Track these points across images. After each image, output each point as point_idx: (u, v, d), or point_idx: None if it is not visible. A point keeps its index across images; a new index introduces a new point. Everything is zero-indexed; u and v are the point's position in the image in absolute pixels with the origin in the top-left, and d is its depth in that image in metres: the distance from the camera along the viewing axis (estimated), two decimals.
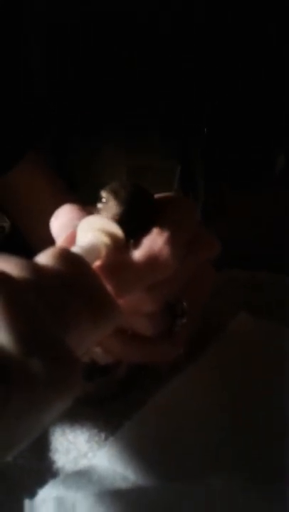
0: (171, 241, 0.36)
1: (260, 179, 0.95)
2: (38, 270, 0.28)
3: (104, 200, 0.37)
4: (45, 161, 0.60)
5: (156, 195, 0.40)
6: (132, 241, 0.36)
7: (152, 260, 0.35)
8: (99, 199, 0.38)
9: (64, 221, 0.37)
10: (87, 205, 0.39)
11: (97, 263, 0.35)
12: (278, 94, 0.96)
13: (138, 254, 0.35)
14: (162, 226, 0.37)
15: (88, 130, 1.01)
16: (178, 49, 0.97)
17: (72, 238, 0.37)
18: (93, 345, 0.30)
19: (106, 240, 0.36)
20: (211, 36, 0.95)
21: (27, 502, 0.34)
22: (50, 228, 0.38)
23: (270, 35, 0.95)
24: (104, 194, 0.37)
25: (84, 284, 0.30)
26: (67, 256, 0.30)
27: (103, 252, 0.35)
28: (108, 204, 0.37)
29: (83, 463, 0.36)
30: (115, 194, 0.37)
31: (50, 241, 0.38)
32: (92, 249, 0.35)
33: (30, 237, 0.59)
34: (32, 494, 0.34)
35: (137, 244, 0.36)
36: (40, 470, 0.36)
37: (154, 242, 0.35)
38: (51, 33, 0.95)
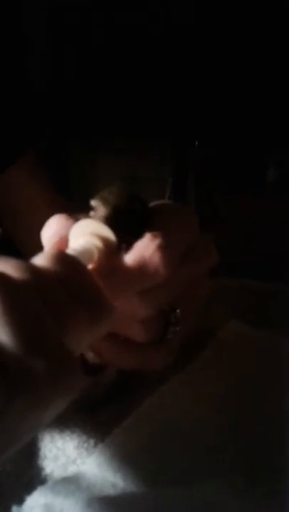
0: (164, 247, 0.36)
1: (251, 190, 0.95)
2: (36, 271, 0.28)
3: (94, 206, 0.37)
4: (40, 167, 0.60)
5: (155, 202, 0.40)
6: (123, 245, 0.36)
7: (142, 266, 0.35)
8: (90, 207, 0.38)
9: (52, 232, 0.38)
10: (80, 212, 0.39)
11: (89, 267, 0.35)
12: (270, 106, 0.97)
13: (128, 258, 0.35)
14: (156, 232, 0.37)
15: (83, 140, 1.01)
16: (172, 61, 0.98)
17: (60, 245, 0.37)
18: (88, 346, 0.30)
19: (98, 243, 0.36)
20: (206, 49, 0.96)
21: (15, 509, 0.33)
22: (41, 239, 0.38)
23: (263, 48, 0.96)
24: (94, 202, 0.38)
25: (80, 285, 0.30)
26: (63, 257, 0.31)
27: (95, 255, 0.35)
28: (98, 209, 0.37)
29: (72, 469, 0.36)
30: (104, 199, 0.37)
31: (41, 248, 0.38)
32: (85, 253, 0.35)
33: (21, 245, 0.59)
34: (20, 501, 0.34)
35: (129, 248, 0.36)
36: (28, 477, 0.36)
37: (145, 247, 0.35)
38: (51, 39, 0.96)
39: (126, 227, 0.36)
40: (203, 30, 0.93)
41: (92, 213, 0.37)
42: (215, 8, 0.91)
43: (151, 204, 0.39)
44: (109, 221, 0.36)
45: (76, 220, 0.37)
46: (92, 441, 0.37)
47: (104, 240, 0.36)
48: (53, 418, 0.26)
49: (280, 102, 0.95)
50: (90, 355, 0.38)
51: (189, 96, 0.98)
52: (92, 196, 0.39)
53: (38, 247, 0.37)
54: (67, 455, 0.37)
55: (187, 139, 1.01)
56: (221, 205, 0.91)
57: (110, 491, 0.34)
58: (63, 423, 0.38)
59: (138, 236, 0.37)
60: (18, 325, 0.25)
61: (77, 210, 0.40)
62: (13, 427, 0.25)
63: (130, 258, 0.35)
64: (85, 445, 0.37)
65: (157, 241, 0.36)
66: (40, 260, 0.30)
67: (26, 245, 0.57)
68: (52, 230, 0.37)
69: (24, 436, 0.26)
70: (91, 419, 0.39)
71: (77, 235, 0.37)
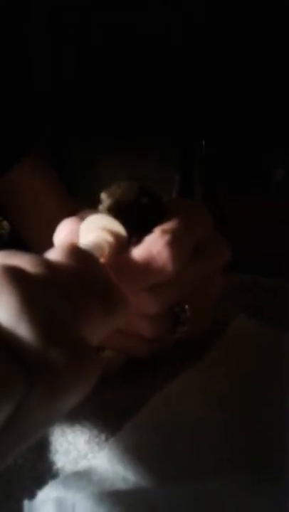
0: (173, 244, 0.36)
1: (252, 190, 0.95)
2: (51, 266, 0.29)
3: (103, 200, 0.37)
4: (47, 165, 0.60)
5: (169, 198, 0.40)
6: (134, 239, 0.36)
7: (150, 261, 0.35)
8: (99, 201, 0.38)
9: (63, 236, 0.38)
10: (88, 209, 0.40)
11: (101, 261, 0.35)
12: (274, 108, 0.97)
13: (136, 254, 0.35)
14: (166, 228, 0.37)
15: (88, 140, 1.01)
16: (177, 61, 0.98)
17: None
18: (103, 338, 0.31)
19: (108, 238, 0.36)
20: (210, 50, 0.96)
21: (26, 503, 0.33)
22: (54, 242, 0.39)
23: (267, 51, 0.96)
24: (103, 195, 0.38)
25: (94, 277, 0.30)
26: (76, 251, 0.31)
27: (106, 250, 0.35)
28: (107, 202, 0.37)
29: (83, 464, 0.36)
30: (113, 193, 0.37)
31: (51, 245, 0.38)
32: (95, 248, 0.35)
33: (30, 241, 0.59)
34: (31, 495, 0.34)
35: (139, 242, 0.36)
36: (39, 471, 0.36)
37: (154, 243, 0.36)
38: (52, 41, 0.96)
39: (134, 218, 0.36)
40: (208, 31, 0.93)
41: (100, 207, 0.37)
42: (219, 8, 0.91)
43: (165, 200, 0.39)
44: (119, 213, 0.36)
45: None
46: (103, 436, 0.37)
47: (115, 235, 0.36)
48: (71, 408, 0.27)
49: (284, 104, 0.96)
50: None
51: (194, 96, 0.98)
52: (99, 190, 0.39)
53: (47, 244, 0.37)
54: (78, 449, 0.37)
55: (192, 139, 1.01)
56: (223, 204, 0.91)
57: (121, 486, 0.34)
58: (74, 417, 0.38)
59: (150, 231, 0.37)
60: (36, 318, 0.25)
61: (85, 206, 0.40)
62: (34, 417, 0.25)
63: (138, 253, 0.35)
64: (96, 439, 0.37)
65: (166, 237, 0.36)
66: (54, 255, 0.30)
67: (35, 242, 0.57)
68: (63, 234, 0.38)
69: (44, 426, 0.27)
70: (102, 413, 0.39)
71: (88, 230, 0.37)
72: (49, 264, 0.29)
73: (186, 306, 0.39)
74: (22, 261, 0.28)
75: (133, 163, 0.95)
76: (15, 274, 0.26)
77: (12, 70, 0.68)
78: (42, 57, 0.97)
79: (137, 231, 0.36)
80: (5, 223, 0.73)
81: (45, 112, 0.91)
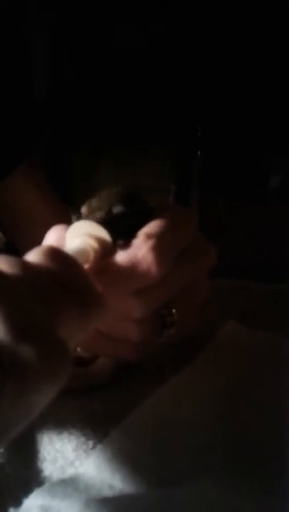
0: (157, 248, 0.36)
1: (252, 196, 0.95)
2: (27, 266, 0.29)
3: (89, 207, 0.38)
4: (39, 175, 0.61)
5: (155, 203, 0.40)
6: (121, 241, 0.36)
7: (134, 266, 0.35)
8: (86, 207, 0.38)
9: (51, 242, 0.38)
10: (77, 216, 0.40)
11: (85, 266, 0.35)
12: (271, 116, 0.97)
13: (121, 258, 0.35)
14: (150, 232, 0.37)
15: (84, 149, 1.02)
16: (174, 70, 0.99)
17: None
18: (80, 340, 0.31)
19: (93, 243, 0.36)
20: (206, 60, 0.97)
21: (12, 510, 0.33)
22: None
23: (263, 61, 0.96)
24: (82, 209, 0.38)
25: (71, 278, 0.31)
26: (54, 253, 0.32)
27: (91, 255, 0.35)
28: (94, 209, 0.37)
29: (70, 471, 0.36)
30: (99, 199, 0.37)
31: None
32: (81, 253, 0.35)
33: (23, 251, 0.59)
34: (18, 503, 0.34)
35: (125, 246, 0.36)
36: (26, 479, 0.36)
37: (138, 247, 0.36)
38: (51, 48, 0.97)
39: (121, 224, 0.36)
40: (206, 39, 0.94)
41: (83, 209, 0.38)
42: (213, 25, 0.92)
43: (153, 205, 0.39)
44: (102, 219, 0.36)
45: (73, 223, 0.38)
46: (90, 443, 0.37)
47: (100, 240, 0.36)
48: (44, 406, 0.27)
49: (281, 111, 0.96)
50: (79, 349, 0.38)
51: (192, 104, 0.98)
52: (84, 202, 0.40)
53: None
54: (65, 457, 0.37)
55: (189, 147, 1.01)
56: (223, 211, 0.91)
57: (108, 493, 0.34)
58: (61, 425, 0.38)
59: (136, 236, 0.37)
60: (8, 315, 0.25)
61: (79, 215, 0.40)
62: (5, 414, 0.25)
63: (123, 258, 0.35)
64: (84, 447, 0.37)
65: (150, 241, 0.36)
66: (32, 256, 0.31)
67: (27, 249, 0.57)
68: (50, 240, 0.38)
69: (17, 424, 0.26)
70: (89, 421, 0.38)
71: (74, 235, 0.37)
72: (25, 265, 0.29)
73: (173, 310, 0.39)
74: None
75: (129, 172, 0.95)
76: None
77: (10, 77, 0.69)
78: (41, 65, 0.97)
79: (123, 235, 0.37)
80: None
81: (41, 121, 0.92)
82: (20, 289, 0.27)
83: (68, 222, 0.40)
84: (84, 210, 0.38)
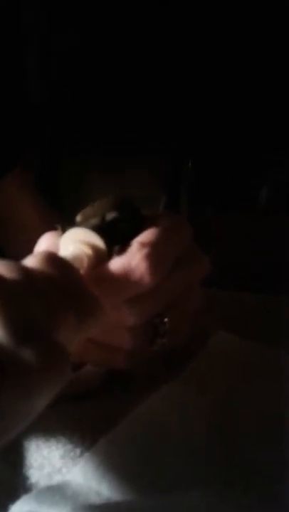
0: (150, 256, 0.36)
1: (245, 207, 0.96)
2: (26, 270, 0.30)
3: (84, 214, 0.38)
4: (30, 182, 0.61)
5: (149, 212, 0.40)
6: (116, 248, 0.36)
7: (127, 274, 0.36)
8: (80, 215, 0.39)
9: (43, 248, 0.39)
10: (69, 224, 0.40)
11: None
12: (264, 127, 0.98)
13: (114, 266, 0.36)
14: (144, 240, 0.37)
15: (74, 159, 1.02)
16: (166, 79, 0.99)
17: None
18: (77, 345, 0.31)
19: (87, 250, 0.36)
20: (198, 72, 0.98)
21: None
22: None
23: (255, 76, 0.97)
24: (84, 210, 0.38)
25: (69, 283, 0.31)
26: (52, 258, 0.32)
27: (85, 262, 0.36)
28: (87, 217, 0.37)
29: (57, 478, 0.36)
30: (93, 207, 0.38)
31: None
32: (75, 260, 0.35)
33: (12, 256, 0.59)
34: (4, 509, 0.34)
35: (121, 252, 0.36)
36: (13, 485, 0.36)
37: (132, 255, 0.36)
38: (45, 55, 0.97)
39: (115, 232, 0.37)
40: (199, 49, 0.95)
41: (78, 217, 0.38)
42: (206, 38, 0.93)
43: (146, 213, 0.40)
44: (97, 227, 0.37)
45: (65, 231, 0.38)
46: (78, 451, 0.37)
47: (94, 248, 0.36)
48: (42, 409, 0.27)
49: (273, 123, 0.97)
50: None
51: (183, 114, 0.99)
52: (84, 207, 0.40)
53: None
54: (52, 464, 0.37)
55: (180, 157, 1.02)
56: (213, 221, 0.91)
57: (95, 500, 0.34)
58: (49, 432, 0.38)
59: (130, 244, 0.37)
60: (9, 319, 0.26)
61: (68, 222, 0.41)
62: (5, 415, 0.25)
63: (116, 266, 0.36)
64: (71, 454, 0.37)
65: (144, 250, 0.36)
66: (30, 261, 0.31)
67: (18, 256, 0.57)
68: (43, 247, 0.39)
69: (15, 427, 0.27)
70: (77, 428, 0.38)
71: (67, 242, 0.37)
72: (24, 270, 0.30)
73: (166, 319, 0.39)
74: None
75: (120, 180, 0.96)
76: None
77: (3, 82, 0.69)
78: (34, 70, 0.97)
79: (117, 243, 0.37)
80: None
81: (35, 126, 0.92)
82: (19, 292, 0.27)
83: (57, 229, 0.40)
84: (78, 218, 0.38)
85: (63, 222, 0.42)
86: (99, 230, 0.37)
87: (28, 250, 0.39)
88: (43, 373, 0.26)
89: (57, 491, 0.34)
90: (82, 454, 0.37)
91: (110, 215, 0.37)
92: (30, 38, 0.94)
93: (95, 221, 0.37)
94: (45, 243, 0.39)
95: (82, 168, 0.96)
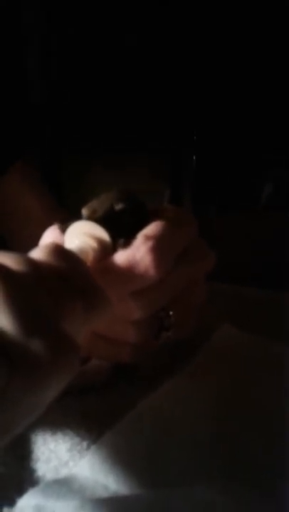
0: (155, 249, 0.36)
1: (248, 204, 0.96)
2: (34, 263, 0.30)
3: (91, 207, 0.38)
4: (36, 173, 0.61)
5: (155, 206, 0.40)
6: (121, 240, 0.36)
7: (132, 267, 0.36)
8: (87, 207, 0.39)
9: (48, 241, 0.39)
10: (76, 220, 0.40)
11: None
12: (266, 125, 0.98)
13: (120, 259, 0.36)
14: (149, 233, 0.37)
15: (79, 151, 1.02)
16: (168, 76, 0.99)
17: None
18: (83, 338, 0.31)
19: (92, 243, 0.36)
20: (201, 67, 0.98)
21: (6, 510, 0.33)
22: None
23: (260, 67, 0.97)
24: (83, 211, 0.38)
25: (76, 275, 0.31)
26: (59, 250, 0.32)
27: (90, 255, 0.36)
28: (94, 209, 0.37)
29: (64, 472, 0.36)
30: (99, 200, 0.38)
31: None
32: (80, 253, 0.35)
33: (14, 248, 0.59)
34: (11, 502, 0.34)
35: (126, 245, 0.36)
36: (20, 478, 0.36)
37: (137, 248, 0.36)
38: (47, 53, 0.97)
39: (120, 224, 0.37)
40: (201, 50, 0.94)
41: (83, 211, 0.38)
42: (207, 37, 0.93)
43: (151, 207, 0.40)
44: (102, 219, 0.36)
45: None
46: (84, 444, 0.37)
47: (99, 240, 0.36)
48: (50, 402, 0.27)
49: (276, 121, 0.97)
50: None
51: (184, 111, 0.99)
52: (87, 203, 0.40)
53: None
54: (59, 457, 0.37)
55: (182, 153, 1.02)
56: (215, 219, 0.91)
57: (102, 493, 0.34)
58: (56, 425, 0.38)
59: (135, 237, 0.37)
60: (18, 311, 0.26)
61: (73, 216, 0.41)
62: (14, 407, 0.25)
63: (122, 259, 0.36)
64: (78, 447, 0.37)
65: (149, 243, 0.36)
66: (36, 253, 0.31)
67: (22, 250, 0.57)
68: (48, 240, 0.39)
69: (25, 418, 0.27)
70: (84, 421, 0.38)
71: (73, 235, 0.37)
72: (31, 262, 0.30)
73: (171, 312, 0.39)
74: (6, 258, 0.29)
75: (123, 176, 0.96)
76: None
77: (4, 80, 0.69)
78: (35, 68, 0.97)
79: (120, 236, 0.37)
80: None
81: (36, 122, 0.92)
82: (27, 284, 0.28)
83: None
84: (84, 211, 0.38)
85: (67, 216, 0.42)
86: (104, 222, 0.37)
87: (33, 243, 0.39)
88: (52, 365, 0.26)
89: (64, 485, 0.34)
90: (88, 447, 0.37)
91: (118, 205, 0.37)
92: (30, 38, 0.94)
93: (100, 213, 0.37)
94: (50, 236, 0.39)
95: (84, 166, 0.96)
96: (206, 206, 0.97)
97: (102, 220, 0.37)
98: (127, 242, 0.36)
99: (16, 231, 0.59)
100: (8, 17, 0.88)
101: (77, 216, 0.40)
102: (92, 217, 0.37)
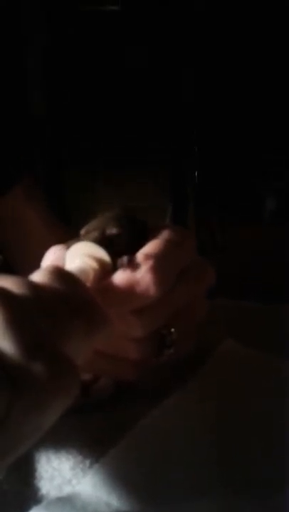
0: (155, 268, 0.37)
1: (251, 217, 0.96)
2: (34, 286, 0.30)
3: (90, 228, 0.39)
4: (38, 193, 0.61)
5: (154, 224, 0.41)
6: (121, 260, 0.37)
7: (132, 286, 0.36)
8: (85, 229, 0.39)
9: (49, 262, 0.39)
10: (76, 238, 0.41)
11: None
12: (269, 136, 0.99)
13: (120, 278, 0.36)
14: (148, 252, 0.37)
15: (81, 166, 1.03)
16: (169, 89, 1.00)
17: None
18: (85, 357, 0.32)
19: (93, 264, 0.36)
20: (202, 75, 0.98)
21: None
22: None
23: (260, 80, 0.98)
24: (88, 225, 0.39)
25: (76, 297, 0.32)
26: (59, 272, 0.32)
27: (91, 275, 0.36)
28: (93, 230, 0.38)
29: (67, 490, 0.36)
30: (98, 221, 0.38)
31: None
32: (81, 273, 0.36)
33: (20, 270, 0.60)
34: None
35: (125, 265, 0.37)
36: (24, 497, 0.36)
37: (136, 268, 0.36)
38: (49, 67, 0.98)
39: (120, 245, 0.37)
40: (201, 61, 0.95)
41: (82, 231, 0.39)
42: (208, 43, 0.94)
43: (152, 226, 0.40)
44: (101, 240, 0.37)
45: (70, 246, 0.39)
46: (87, 462, 0.37)
47: (99, 261, 0.37)
48: (52, 424, 0.27)
49: (277, 134, 0.97)
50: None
51: (186, 124, 1.00)
52: (91, 218, 0.40)
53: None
54: (62, 475, 0.37)
55: (185, 168, 1.02)
56: (218, 231, 0.92)
57: (105, 511, 0.34)
58: (59, 443, 0.38)
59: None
60: (19, 334, 0.26)
61: (75, 234, 0.41)
62: (16, 430, 0.26)
63: (122, 278, 0.36)
64: (81, 465, 0.37)
65: (149, 262, 0.37)
66: (37, 277, 0.32)
67: (25, 270, 0.58)
68: (49, 261, 0.39)
69: (26, 441, 0.27)
70: (86, 439, 0.39)
71: (73, 256, 0.38)
72: (33, 285, 0.30)
73: (172, 329, 0.39)
74: (7, 282, 0.29)
75: (126, 191, 0.96)
76: (0, 294, 0.27)
77: (6, 96, 0.70)
78: (37, 83, 0.98)
79: (119, 257, 0.37)
80: None
81: (40, 140, 0.93)
82: (28, 308, 0.28)
83: (63, 241, 0.40)
84: (83, 232, 0.38)
85: (69, 233, 0.43)
86: (103, 243, 0.37)
87: (35, 260, 0.40)
88: (53, 387, 0.26)
89: (67, 502, 0.35)
90: (91, 465, 0.37)
91: (111, 229, 0.38)
92: (31, 50, 0.95)
93: (96, 235, 0.38)
94: (51, 257, 0.39)
95: (87, 181, 0.97)
96: (209, 220, 0.98)
97: (99, 241, 0.37)
98: (129, 262, 0.37)
99: (18, 249, 0.60)
100: (9, 25, 0.89)
101: (79, 231, 0.41)
102: (90, 239, 0.38)
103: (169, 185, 1.00)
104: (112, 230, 0.38)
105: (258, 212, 0.93)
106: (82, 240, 0.38)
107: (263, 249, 0.82)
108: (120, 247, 0.37)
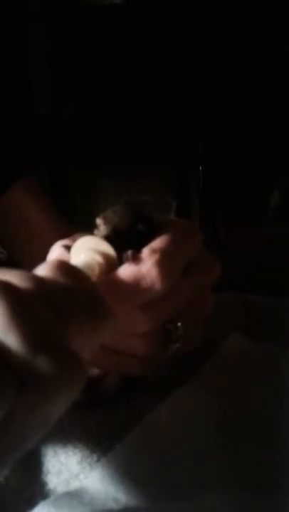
0: (161, 262, 0.36)
1: (255, 214, 0.96)
2: (39, 280, 0.30)
3: (99, 225, 0.39)
4: (38, 187, 0.61)
5: (160, 219, 0.41)
6: (128, 254, 0.36)
7: (139, 280, 0.36)
8: (95, 226, 0.39)
9: (55, 257, 0.39)
10: (82, 232, 0.41)
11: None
12: (273, 134, 0.99)
13: (126, 273, 0.36)
14: (155, 247, 0.37)
15: (87, 164, 1.03)
16: (174, 89, 1.00)
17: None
18: (91, 353, 0.31)
19: (98, 258, 0.36)
20: (207, 81, 0.98)
21: None
22: None
23: (262, 83, 0.98)
24: (98, 221, 0.39)
25: (81, 291, 0.31)
26: (64, 266, 0.32)
27: (96, 270, 0.36)
28: (100, 227, 0.38)
29: (75, 484, 0.36)
30: (106, 217, 0.38)
31: None
32: (86, 268, 0.35)
33: (24, 265, 0.60)
34: None
35: (131, 259, 0.37)
36: (31, 492, 0.36)
37: (143, 262, 0.36)
38: (54, 66, 0.98)
39: (126, 240, 0.37)
40: (206, 67, 0.95)
41: (95, 231, 0.39)
42: (215, 56, 0.93)
43: (158, 220, 0.40)
44: (111, 239, 0.37)
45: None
46: (95, 456, 0.37)
47: (105, 255, 0.37)
48: (58, 417, 0.27)
49: (283, 130, 0.97)
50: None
51: (191, 122, 1.00)
52: (96, 215, 0.40)
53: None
54: (70, 470, 0.37)
55: (189, 164, 1.02)
56: (223, 227, 0.92)
57: (112, 506, 0.34)
58: (66, 438, 0.38)
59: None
60: (24, 328, 0.26)
61: (79, 229, 0.41)
62: (23, 424, 0.26)
63: (128, 273, 0.36)
64: (88, 460, 0.37)
65: (155, 256, 0.36)
66: (42, 270, 0.32)
67: (30, 265, 0.58)
68: (54, 255, 0.39)
69: (32, 436, 0.27)
70: (93, 433, 0.39)
71: (79, 251, 0.38)
72: (37, 279, 0.30)
73: (179, 324, 0.39)
74: (12, 276, 0.29)
75: (131, 188, 0.96)
76: (4, 288, 0.27)
77: (12, 93, 0.70)
78: (42, 82, 0.99)
79: (124, 252, 0.37)
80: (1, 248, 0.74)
81: (43, 136, 0.93)
82: (34, 302, 0.28)
83: (67, 236, 0.40)
84: (98, 221, 0.38)
85: (72, 228, 0.42)
86: (110, 238, 0.37)
87: (39, 256, 0.40)
88: (59, 381, 0.26)
89: (74, 497, 0.35)
90: (99, 459, 0.37)
91: (123, 226, 0.38)
92: (37, 51, 0.95)
93: (106, 231, 0.38)
94: (57, 251, 0.39)
95: (93, 178, 0.97)
96: (213, 216, 0.98)
97: (107, 237, 0.37)
98: (134, 256, 0.37)
99: (22, 244, 0.60)
100: (14, 30, 0.89)
101: (87, 226, 0.41)
102: (97, 234, 0.38)
103: (174, 182, 1.00)
104: (120, 225, 0.38)
105: (262, 208, 0.93)
106: (98, 228, 0.38)
107: (267, 246, 0.82)
108: (127, 242, 0.37)
